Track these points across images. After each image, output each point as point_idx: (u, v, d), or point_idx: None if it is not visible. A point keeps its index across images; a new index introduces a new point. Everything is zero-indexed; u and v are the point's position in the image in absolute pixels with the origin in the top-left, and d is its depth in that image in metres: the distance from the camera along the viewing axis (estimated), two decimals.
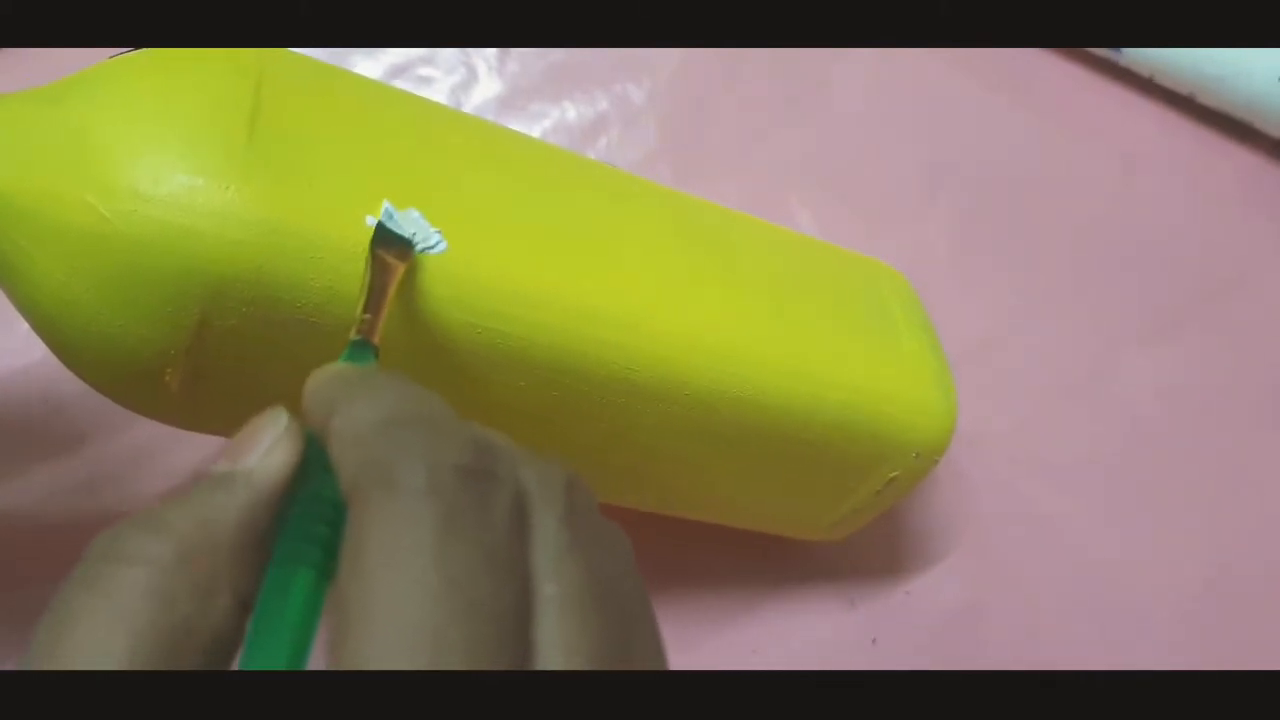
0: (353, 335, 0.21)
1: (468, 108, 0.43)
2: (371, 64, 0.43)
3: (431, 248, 0.24)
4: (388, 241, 0.23)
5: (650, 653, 0.18)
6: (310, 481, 0.18)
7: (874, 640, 0.36)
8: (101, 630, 0.16)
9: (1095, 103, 0.47)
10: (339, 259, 0.23)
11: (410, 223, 0.24)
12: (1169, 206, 0.45)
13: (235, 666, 0.17)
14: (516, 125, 0.43)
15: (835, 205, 0.43)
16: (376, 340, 0.21)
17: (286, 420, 0.18)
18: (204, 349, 0.23)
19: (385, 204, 0.24)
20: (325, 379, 0.19)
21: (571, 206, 0.28)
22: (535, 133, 0.43)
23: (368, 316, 0.22)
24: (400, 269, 0.23)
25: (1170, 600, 0.38)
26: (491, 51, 0.44)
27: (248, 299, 0.22)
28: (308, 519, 0.17)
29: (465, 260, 0.24)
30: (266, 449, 0.18)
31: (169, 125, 0.22)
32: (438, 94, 0.43)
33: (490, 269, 0.25)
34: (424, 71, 0.43)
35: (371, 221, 0.23)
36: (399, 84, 0.42)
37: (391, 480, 0.16)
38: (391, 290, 0.23)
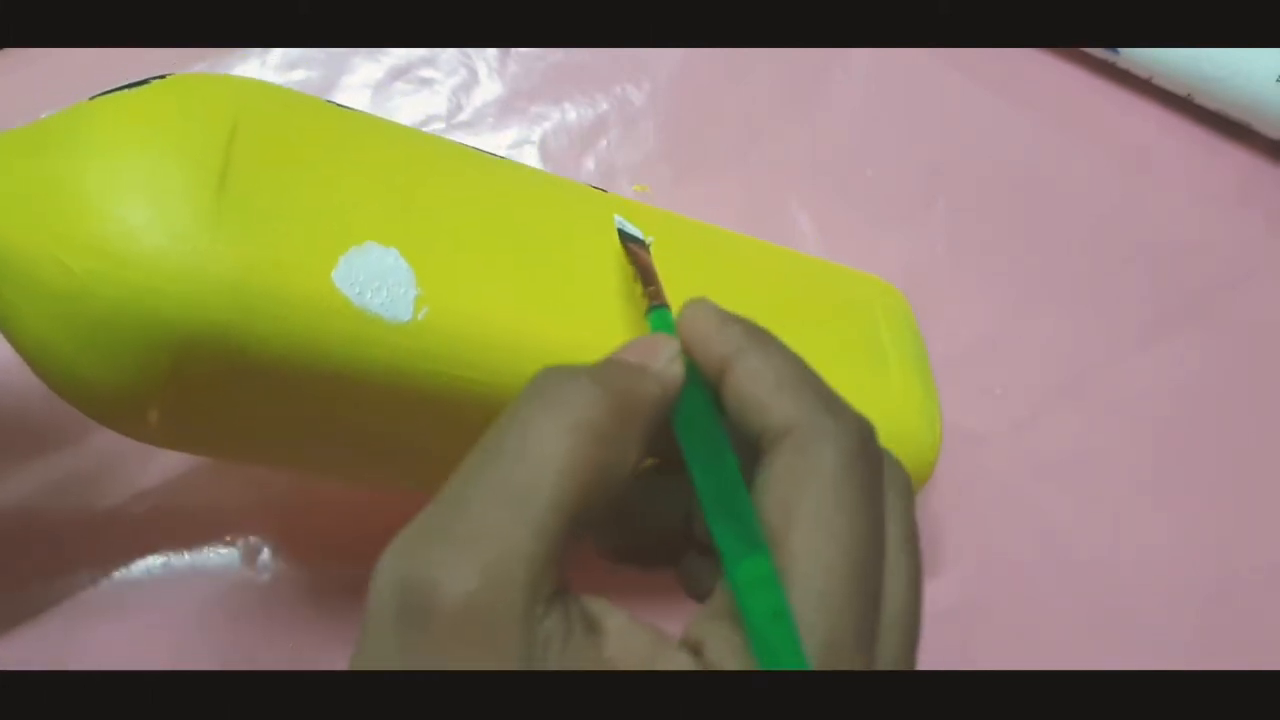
0: (650, 304, 0.24)
1: (468, 109, 0.43)
2: (372, 65, 0.43)
3: (397, 316, 0.24)
4: (628, 238, 0.27)
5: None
6: (690, 397, 0.21)
7: None
8: (550, 437, 0.18)
9: (1093, 103, 0.47)
10: (305, 314, 0.23)
11: (384, 271, 0.24)
12: (1167, 207, 0.45)
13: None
14: (517, 127, 0.43)
15: (835, 206, 0.43)
16: (667, 302, 0.24)
17: (679, 345, 0.21)
18: (178, 393, 0.23)
19: (616, 217, 0.28)
20: (719, 319, 0.21)
21: (548, 242, 0.28)
22: (536, 135, 0.43)
23: (652, 289, 0.25)
24: (649, 249, 0.27)
25: (1171, 600, 0.38)
26: (492, 53, 0.44)
27: (214, 352, 0.23)
28: (707, 417, 0.20)
29: (437, 311, 0.25)
30: (668, 360, 0.21)
31: (138, 185, 0.23)
32: (438, 95, 0.43)
33: (463, 320, 0.25)
34: (425, 73, 0.43)
35: (337, 277, 0.24)
36: (400, 85, 0.43)
37: (833, 435, 0.19)
38: (653, 263, 0.26)
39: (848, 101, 0.46)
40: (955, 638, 0.36)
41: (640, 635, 0.18)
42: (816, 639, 0.17)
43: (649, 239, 0.28)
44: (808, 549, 0.18)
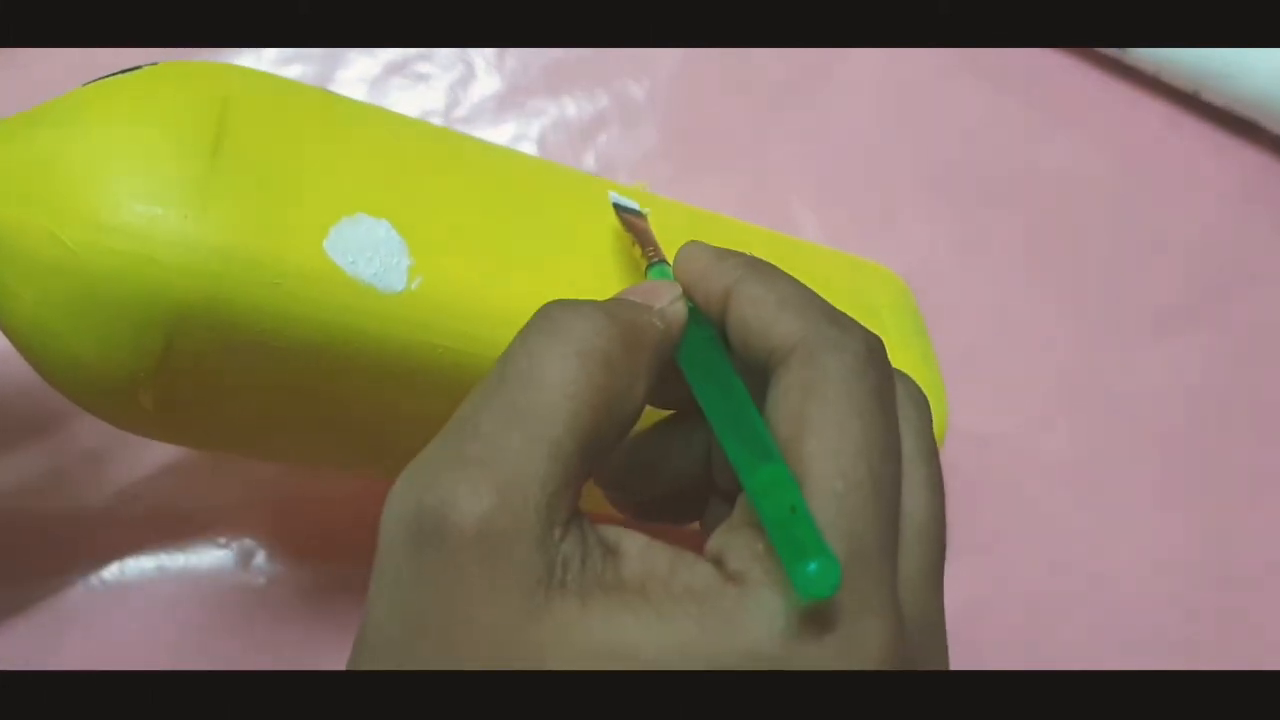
0: (650, 263, 0.25)
1: (466, 105, 0.43)
2: (369, 61, 0.43)
3: (390, 285, 0.24)
4: (624, 209, 0.28)
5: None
6: (694, 336, 0.21)
7: None
8: (559, 361, 0.18)
9: (1099, 100, 0.47)
10: (297, 283, 0.23)
11: (376, 242, 0.24)
12: (1173, 204, 0.45)
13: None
14: (515, 122, 0.43)
15: (837, 205, 0.43)
16: (666, 259, 0.25)
17: (680, 288, 0.22)
18: (173, 371, 0.23)
19: (611, 193, 0.28)
20: (715, 254, 0.22)
21: (542, 218, 0.28)
22: (534, 130, 0.43)
23: (650, 249, 0.25)
24: (647, 218, 0.28)
25: (1173, 601, 0.38)
26: (489, 48, 0.44)
27: (208, 324, 0.23)
28: (714, 352, 0.21)
29: (430, 282, 0.25)
30: (671, 300, 0.21)
31: (130, 155, 0.23)
32: (435, 91, 0.43)
33: (456, 291, 0.25)
34: (421, 68, 0.43)
35: (329, 247, 0.24)
36: (396, 81, 0.42)
37: (841, 344, 0.19)
38: (651, 229, 0.27)
39: (849, 100, 0.45)
40: (958, 638, 0.36)
41: (660, 553, 0.18)
42: (838, 540, 0.17)
43: (645, 210, 0.28)
44: (822, 452, 0.17)
